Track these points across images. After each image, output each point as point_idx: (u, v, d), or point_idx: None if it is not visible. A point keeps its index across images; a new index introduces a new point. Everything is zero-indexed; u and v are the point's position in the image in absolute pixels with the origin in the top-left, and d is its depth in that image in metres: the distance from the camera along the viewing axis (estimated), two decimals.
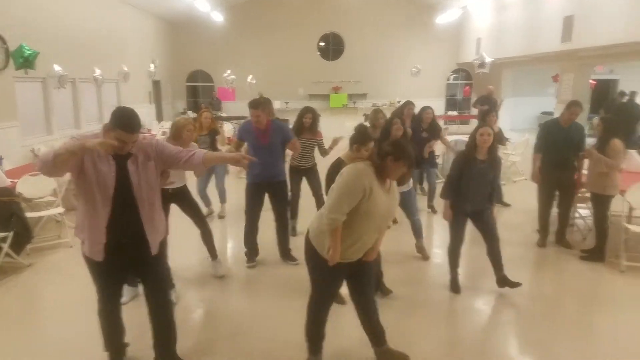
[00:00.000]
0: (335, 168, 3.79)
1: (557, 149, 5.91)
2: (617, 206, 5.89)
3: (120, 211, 3.06)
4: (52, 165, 2.74)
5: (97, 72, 11.33)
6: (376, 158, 3.17)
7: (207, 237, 5.25)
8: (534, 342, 4.04)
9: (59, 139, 9.64)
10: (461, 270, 5.43)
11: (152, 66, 15.37)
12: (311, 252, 3.35)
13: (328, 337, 3.57)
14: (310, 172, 6.47)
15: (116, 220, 3.06)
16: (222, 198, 7.65)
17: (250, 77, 17.06)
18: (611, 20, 9.74)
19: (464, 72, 20.20)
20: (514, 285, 4.78)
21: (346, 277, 3.45)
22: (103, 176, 2.98)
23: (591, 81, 16.00)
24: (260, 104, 5.17)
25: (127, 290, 4.55)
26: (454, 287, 4.96)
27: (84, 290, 4.91)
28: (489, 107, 11.95)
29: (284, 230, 5.71)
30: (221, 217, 7.60)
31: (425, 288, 5.11)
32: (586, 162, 5.93)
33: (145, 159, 3.15)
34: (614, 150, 5.40)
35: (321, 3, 19.14)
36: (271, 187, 5.46)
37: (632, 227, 5.58)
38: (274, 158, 5.38)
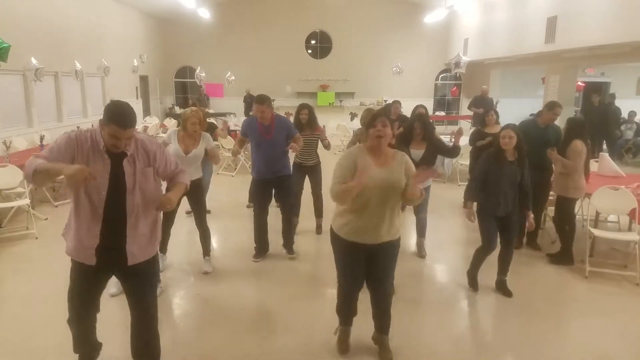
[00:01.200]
0: None
1: (533, 150, 5.82)
2: (586, 210, 5.88)
3: (110, 215, 2.87)
4: (31, 180, 2.69)
5: (78, 65, 11.26)
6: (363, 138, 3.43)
7: (205, 237, 5.36)
8: (499, 345, 4.07)
9: (39, 131, 9.59)
10: (448, 267, 5.60)
11: (135, 61, 15.31)
12: (332, 235, 3.54)
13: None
14: (313, 170, 6.46)
15: (106, 224, 2.88)
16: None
17: (228, 74, 16.92)
18: (594, 22, 9.78)
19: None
20: (507, 294, 4.77)
21: (364, 261, 3.46)
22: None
23: (580, 83, 16.10)
24: (265, 100, 5.25)
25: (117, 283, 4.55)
26: (473, 284, 4.91)
27: (48, 281, 4.97)
28: (484, 109, 11.95)
29: (288, 222, 5.80)
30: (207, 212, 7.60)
31: (415, 286, 5.11)
32: None
33: (145, 164, 2.94)
34: (574, 151, 5.35)
35: (309, 1, 19.13)
36: (277, 181, 5.53)
37: (596, 232, 5.55)
38: (277, 153, 5.45)
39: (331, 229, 3.53)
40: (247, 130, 5.52)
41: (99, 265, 2.93)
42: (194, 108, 5.24)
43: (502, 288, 4.83)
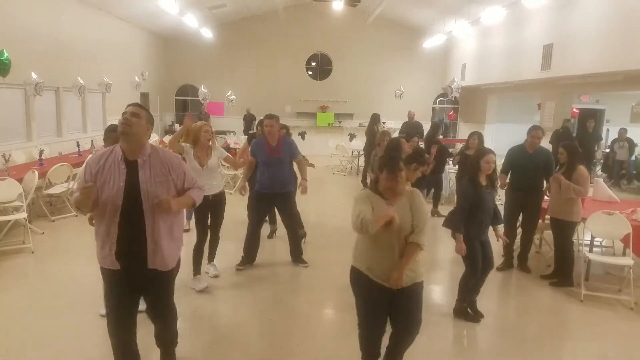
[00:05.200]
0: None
1: (523, 174, 5.94)
2: (581, 234, 5.95)
3: (127, 220, 2.99)
4: (75, 208, 3.08)
5: (81, 81, 11.36)
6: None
7: (215, 244, 5.55)
8: None
9: (38, 145, 9.62)
10: (444, 289, 5.58)
11: (136, 78, 15.41)
12: (354, 276, 3.37)
13: None
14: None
15: (125, 230, 3.00)
16: (189, 214, 7.56)
17: (229, 92, 17.02)
18: (589, 50, 9.93)
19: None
20: (475, 317, 4.77)
21: (387, 306, 3.33)
22: (111, 182, 2.96)
23: (574, 110, 16.26)
24: (274, 116, 5.66)
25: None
26: (459, 313, 4.82)
27: (42, 296, 4.98)
28: (410, 133, 12.10)
29: (294, 235, 6.01)
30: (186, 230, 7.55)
31: None
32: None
33: (162, 172, 3.08)
34: (582, 176, 5.42)
35: (310, 24, 19.38)
36: (281, 196, 5.80)
37: (592, 256, 5.62)
38: (284, 171, 5.75)
39: (354, 269, 3.37)
40: (256, 152, 5.75)
41: (124, 271, 3.05)
42: (201, 122, 5.31)
43: (471, 309, 4.82)
